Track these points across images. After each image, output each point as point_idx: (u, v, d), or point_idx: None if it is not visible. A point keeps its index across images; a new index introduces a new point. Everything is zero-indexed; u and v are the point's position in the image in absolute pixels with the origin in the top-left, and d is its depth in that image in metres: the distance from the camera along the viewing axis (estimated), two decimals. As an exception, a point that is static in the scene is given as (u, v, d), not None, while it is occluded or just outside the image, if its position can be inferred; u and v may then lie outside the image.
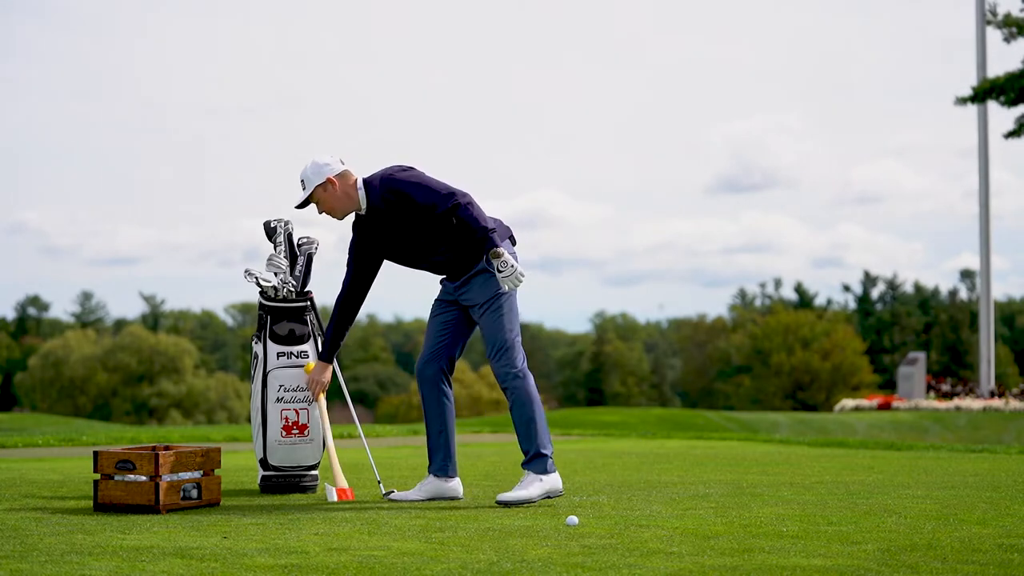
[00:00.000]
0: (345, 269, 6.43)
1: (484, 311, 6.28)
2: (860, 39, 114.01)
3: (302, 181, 6.24)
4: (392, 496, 6.43)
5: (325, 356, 6.62)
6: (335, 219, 6.29)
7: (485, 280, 6.27)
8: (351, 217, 6.34)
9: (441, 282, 6.50)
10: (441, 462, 6.39)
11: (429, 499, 6.37)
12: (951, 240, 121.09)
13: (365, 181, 6.24)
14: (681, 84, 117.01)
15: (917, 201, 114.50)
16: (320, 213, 6.28)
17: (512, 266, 6.07)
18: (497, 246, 6.06)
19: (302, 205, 6.27)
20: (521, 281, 6.12)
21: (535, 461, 6.19)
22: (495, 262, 6.08)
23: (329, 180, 6.19)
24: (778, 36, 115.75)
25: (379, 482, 6.79)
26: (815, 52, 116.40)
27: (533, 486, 6.15)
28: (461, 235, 6.19)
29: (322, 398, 6.87)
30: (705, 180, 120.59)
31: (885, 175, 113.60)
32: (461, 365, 61.37)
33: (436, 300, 6.49)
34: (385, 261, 6.44)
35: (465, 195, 6.12)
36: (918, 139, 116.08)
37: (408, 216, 6.17)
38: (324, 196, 6.22)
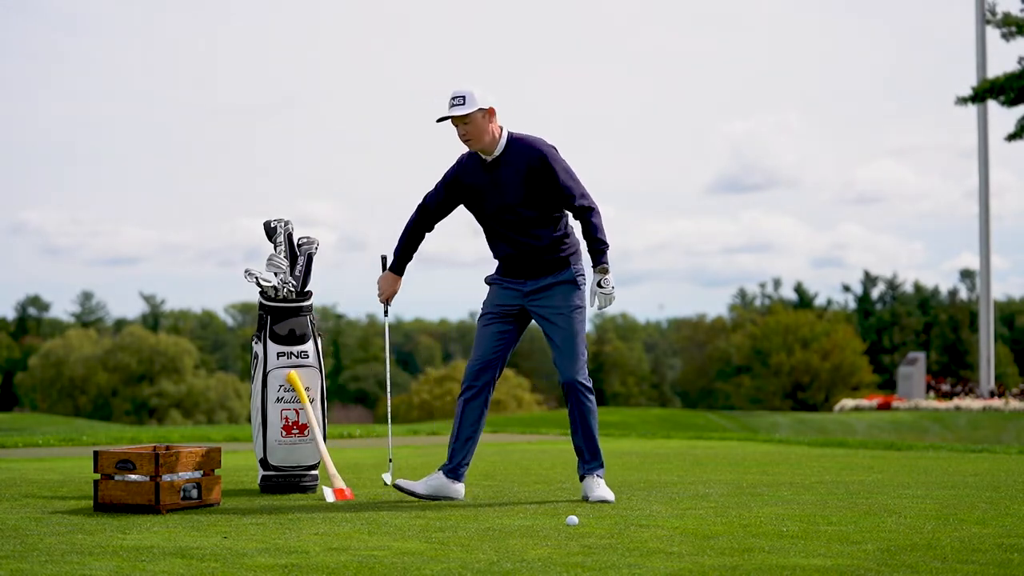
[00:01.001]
0: (426, 195, 6.45)
1: (566, 320, 6.31)
2: (862, 39, 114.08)
3: (463, 96, 6.20)
4: (399, 484, 6.41)
5: (394, 267, 6.60)
6: (469, 147, 6.28)
7: (570, 290, 6.34)
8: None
9: (496, 282, 6.45)
10: (457, 466, 6.39)
11: (431, 495, 6.35)
12: (952, 240, 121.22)
13: (511, 134, 6.30)
14: (681, 84, 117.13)
15: (918, 201, 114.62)
16: (461, 136, 6.26)
17: (613, 287, 6.23)
18: (607, 263, 6.22)
19: (447, 119, 6.23)
20: (612, 302, 6.28)
21: (601, 468, 6.42)
22: (601, 277, 6.22)
23: (491, 110, 6.25)
24: (779, 36, 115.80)
25: (390, 460, 6.69)
26: (816, 52, 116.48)
27: (604, 486, 6.38)
28: (556, 235, 6.29)
29: (309, 407, 6.85)
30: (705, 180, 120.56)
31: (886, 175, 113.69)
32: (461, 365, 61.40)
33: (494, 305, 6.44)
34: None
35: (595, 203, 6.27)
36: (919, 139, 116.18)
37: (534, 186, 6.23)
38: (480, 122, 6.22)
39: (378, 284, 6.65)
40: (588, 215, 6.25)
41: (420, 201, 6.50)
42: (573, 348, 6.33)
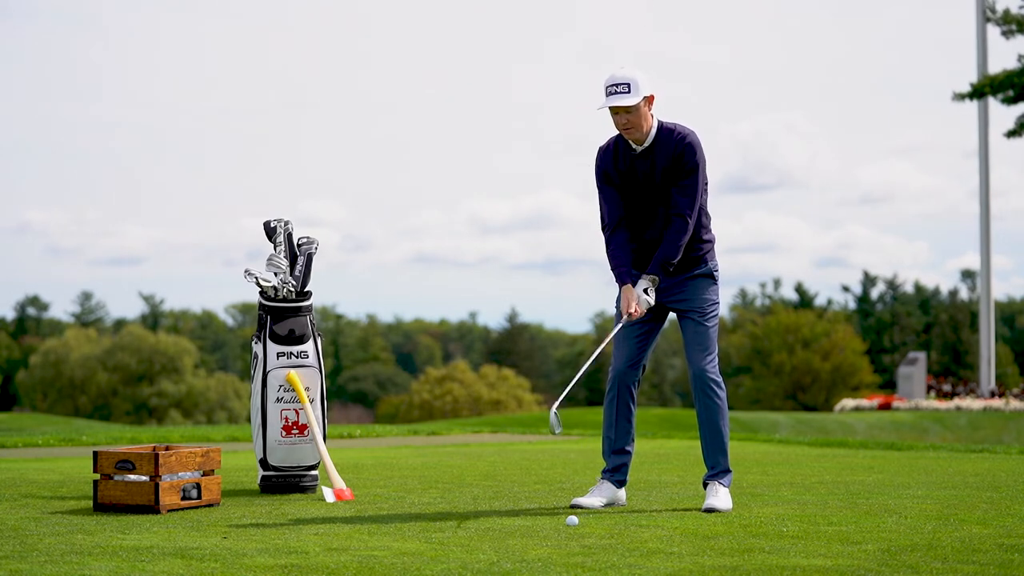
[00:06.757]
0: (600, 222, 6.12)
1: (701, 316, 6.08)
2: (865, 39, 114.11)
3: (627, 84, 5.84)
4: (576, 501, 6.12)
5: (625, 280, 6.04)
6: (627, 135, 5.94)
7: (706, 285, 6.12)
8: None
9: (635, 276, 6.12)
10: (623, 474, 6.19)
11: (605, 505, 6.12)
12: (956, 240, 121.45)
13: (661, 122, 5.98)
14: (686, 84, 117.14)
15: (922, 201, 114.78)
16: (620, 125, 5.90)
17: (651, 300, 5.98)
18: (659, 277, 5.96)
19: (617, 107, 5.85)
20: (644, 312, 6.00)
21: (726, 475, 6.07)
22: (649, 285, 5.96)
23: (651, 97, 5.93)
24: (783, 36, 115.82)
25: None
26: (820, 52, 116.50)
27: (726, 496, 5.99)
28: (696, 232, 6.04)
29: (309, 407, 6.84)
30: (711, 180, 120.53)
31: (891, 175, 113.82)
32: (461, 365, 61.38)
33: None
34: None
35: (691, 224, 5.96)
36: (924, 139, 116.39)
37: (671, 175, 5.94)
38: (644, 110, 5.88)
39: (624, 300, 6.01)
40: (677, 225, 5.93)
41: (603, 229, 6.12)
42: (706, 343, 6.07)
